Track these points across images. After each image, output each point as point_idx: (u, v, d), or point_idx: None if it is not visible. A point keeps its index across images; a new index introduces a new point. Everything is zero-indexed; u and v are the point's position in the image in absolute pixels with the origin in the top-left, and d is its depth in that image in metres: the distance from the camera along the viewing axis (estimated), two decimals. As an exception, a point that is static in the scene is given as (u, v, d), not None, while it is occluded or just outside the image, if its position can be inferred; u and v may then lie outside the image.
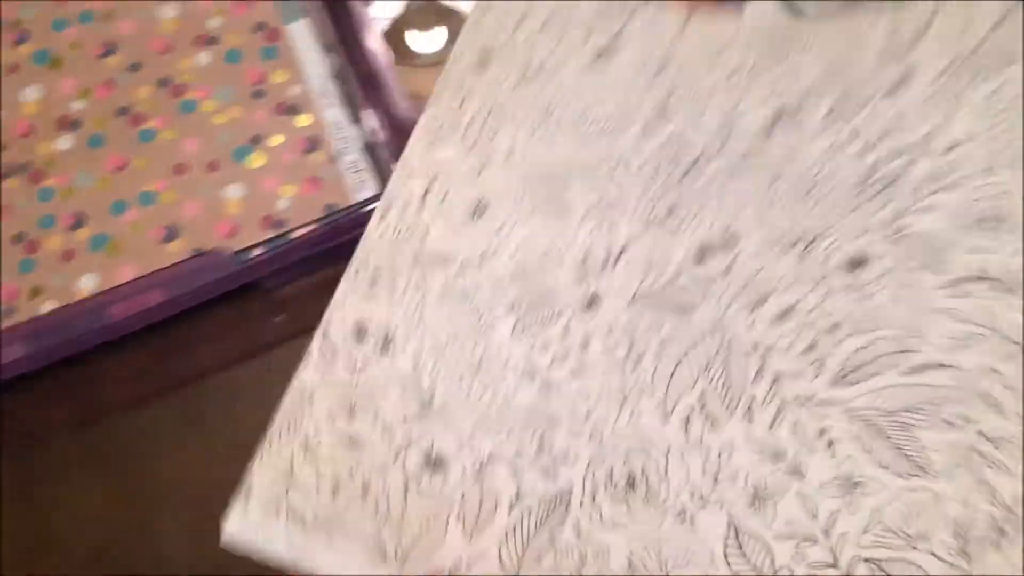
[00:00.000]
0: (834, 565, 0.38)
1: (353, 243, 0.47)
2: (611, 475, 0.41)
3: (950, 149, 0.41)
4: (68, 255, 0.50)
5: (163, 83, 0.53)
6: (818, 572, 0.38)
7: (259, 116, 0.52)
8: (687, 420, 0.41)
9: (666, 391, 0.41)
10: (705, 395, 0.41)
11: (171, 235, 0.50)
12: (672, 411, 0.41)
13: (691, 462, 0.41)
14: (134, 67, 0.54)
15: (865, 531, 0.38)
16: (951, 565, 0.37)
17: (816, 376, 0.40)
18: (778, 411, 0.40)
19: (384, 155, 0.52)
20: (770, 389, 0.40)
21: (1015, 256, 0.39)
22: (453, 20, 0.57)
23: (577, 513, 0.41)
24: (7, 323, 0.48)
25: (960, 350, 0.39)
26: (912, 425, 0.39)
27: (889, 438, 0.39)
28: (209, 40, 0.54)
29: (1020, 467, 0.37)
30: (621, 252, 0.43)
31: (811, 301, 0.41)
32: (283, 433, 0.42)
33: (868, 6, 0.45)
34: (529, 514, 0.41)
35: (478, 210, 0.45)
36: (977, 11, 0.44)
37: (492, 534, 0.41)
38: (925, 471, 0.38)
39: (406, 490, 0.41)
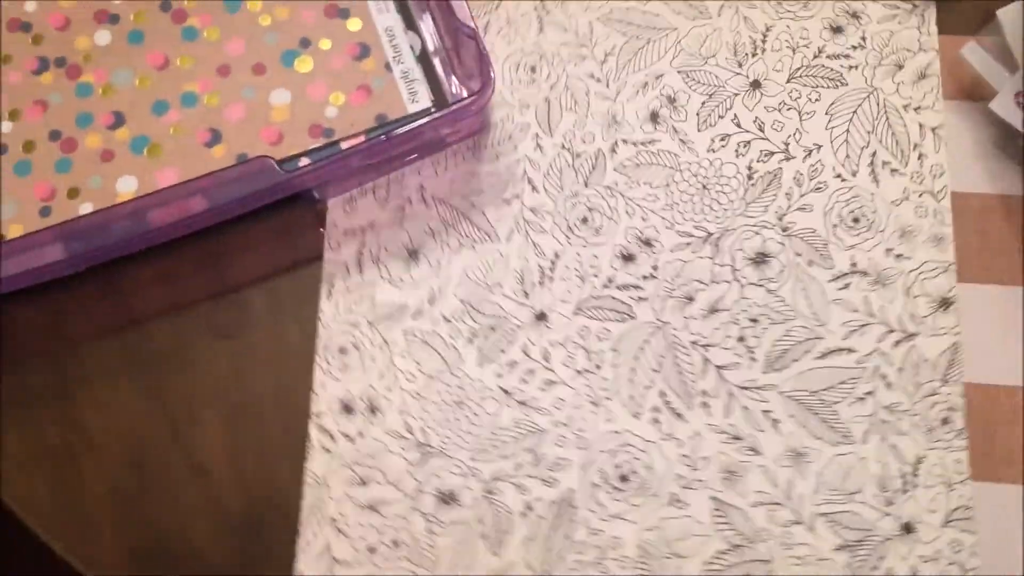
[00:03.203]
0: (799, 522, 0.43)
1: (406, 154, 0.46)
2: (604, 474, 0.44)
3: (808, 154, 0.48)
4: (107, 155, 0.47)
5: None
6: (789, 528, 0.43)
7: (308, 18, 0.49)
8: (656, 417, 0.44)
9: (630, 393, 0.45)
10: (665, 393, 0.45)
11: (214, 139, 0.47)
12: (641, 410, 0.44)
13: (669, 453, 0.44)
14: None
15: (815, 491, 0.44)
16: (881, 512, 0.44)
17: (751, 365, 0.45)
18: (728, 399, 0.45)
19: (440, 65, 0.48)
20: (717, 381, 0.45)
21: (876, 251, 0.48)
22: None
23: (584, 513, 0.43)
24: (44, 223, 0.45)
25: (854, 336, 0.46)
26: (833, 402, 0.45)
27: (817, 414, 0.45)
28: None
29: (911, 430, 0.45)
30: (552, 266, 0.46)
31: (731, 297, 0.46)
32: (312, 524, 0.44)
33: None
34: (542, 521, 0.43)
35: (411, 256, 0.46)
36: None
37: (514, 545, 0.43)
38: (848, 439, 0.45)
39: (430, 530, 0.44)
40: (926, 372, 0.45)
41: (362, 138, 0.47)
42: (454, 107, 0.44)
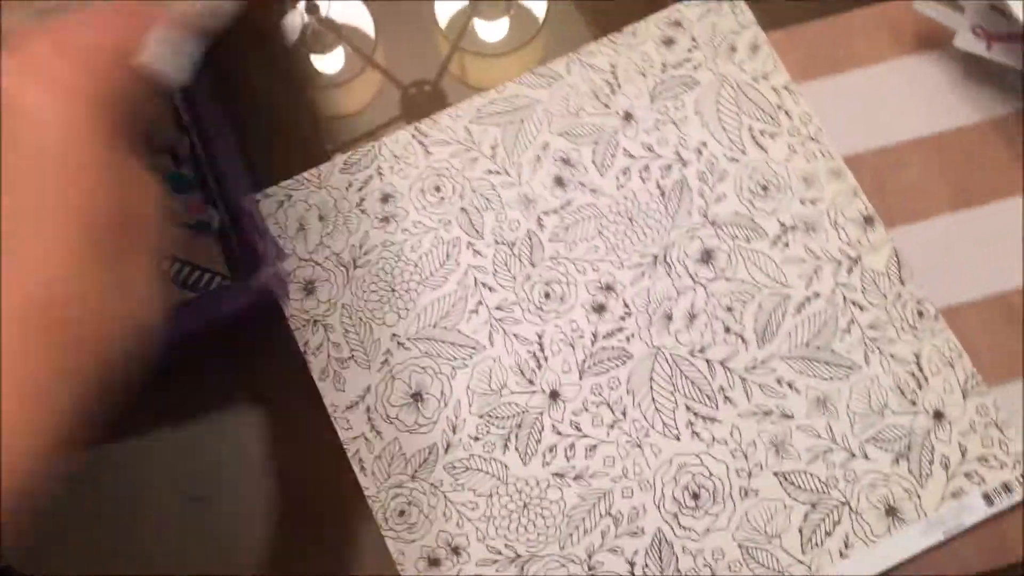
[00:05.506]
0: (853, 455, 0.48)
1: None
2: (677, 501, 0.47)
3: (700, 154, 0.53)
4: None
5: None
6: (848, 464, 0.47)
7: None
8: (692, 431, 0.48)
9: (662, 421, 0.48)
10: (690, 406, 0.48)
11: None
12: (679, 431, 0.48)
13: (721, 455, 0.47)
14: None
15: (852, 424, 0.48)
16: (911, 413, 0.48)
17: (746, 348, 0.49)
18: (744, 386, 0.49)
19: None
20: (726, 374, 0.49)
21: (794, 205, 0.53)
22: (352, 38, 0.57)
23: (678, 542, 0.46)
24: None
25: (814, 281, 0.51)
26: (827, 344, 0.50)
27: (819, 360, 0.49)
28: None
29: (898, 335, 0.50)
30: (541, 347, 0.50)
31: (701, 299, 0.50)
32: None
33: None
34: (648, 570, 0.46)
35: (416, 399, 0.49)
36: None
37: None
38: (855, 367, 0.49)
39: None
40: (884, 282, 0.50)
41: None
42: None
